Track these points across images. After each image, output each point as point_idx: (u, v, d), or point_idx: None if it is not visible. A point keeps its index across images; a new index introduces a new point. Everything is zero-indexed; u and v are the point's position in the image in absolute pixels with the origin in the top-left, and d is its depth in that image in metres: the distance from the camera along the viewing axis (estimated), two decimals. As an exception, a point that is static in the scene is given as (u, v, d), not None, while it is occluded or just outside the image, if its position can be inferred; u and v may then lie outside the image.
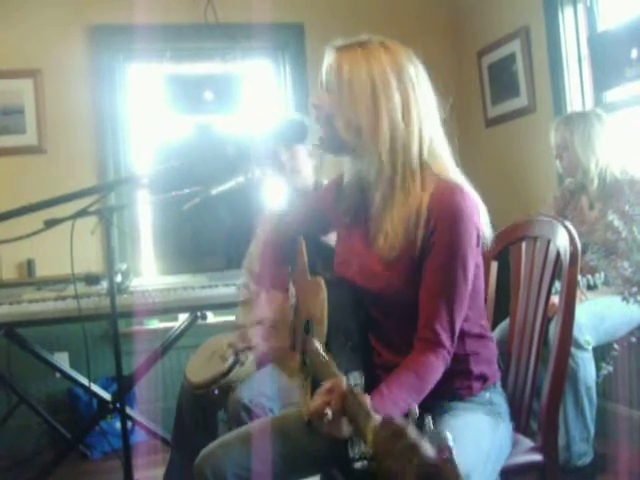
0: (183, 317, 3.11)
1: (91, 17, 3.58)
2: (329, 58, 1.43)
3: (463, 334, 1.43)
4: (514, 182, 3.67)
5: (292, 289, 1.68)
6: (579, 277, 1.71)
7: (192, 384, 2.30)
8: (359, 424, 1.06)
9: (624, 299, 2.11)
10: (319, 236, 1.71)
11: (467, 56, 3.97)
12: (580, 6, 3.20)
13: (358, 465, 0.99)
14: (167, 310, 2.91)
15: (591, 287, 2.45)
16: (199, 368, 2.34)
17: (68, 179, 3.28)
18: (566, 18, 3.22)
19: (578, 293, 1.69)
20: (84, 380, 3.05)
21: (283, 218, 1.79)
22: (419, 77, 1.42)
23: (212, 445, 1.53)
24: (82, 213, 1.88)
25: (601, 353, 2.40)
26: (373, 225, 1.46)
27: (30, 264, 3.46)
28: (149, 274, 3.74)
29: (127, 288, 2.87)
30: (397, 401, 1.27)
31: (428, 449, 0.88)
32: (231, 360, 2.21)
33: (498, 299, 1.88)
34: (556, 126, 2.74)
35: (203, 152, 1.83)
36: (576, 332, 2.18)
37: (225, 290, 2.83)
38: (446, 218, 1.35)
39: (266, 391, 2.09)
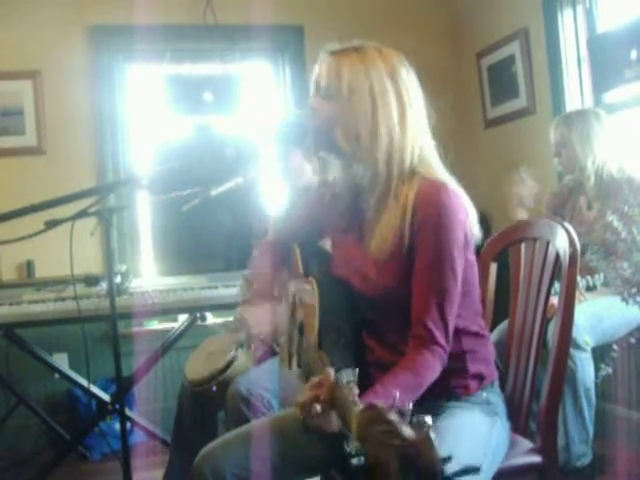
0: (183, 318, 3.12)
1: (91, 18, 3.58)
2: (326, 63, 1.43)
3: (459, 332, 1.44)
4: (514, 183, 3.66)
5: (288, 294, 1.68)
6: (578, 278, 1.71)
7: (190, 382, 2.31)
8: (345, 414, 1.08)
9: (623, 300, 2.10)
10: (314, 242, 1.72)
11: (466, 57, 3.97)
12: (579, 7, 3.21)
13: (354, 461, 0.99)
14: (166, 311, 2.91)
15: (590, 288, 2.45)
16: (198, 366, 2.35)
17: (67, 180, 3.28)
18: (565, 19, 3.23)
19: (577, 294, 1.69)
20: (83, 381, 3.05)
21: (279, 226, 1.81)
22: (411, 81, 1.44)
23: (211, 445, 1.53)
24: (82, 214, 1.88)
25: (600, 354, 2.40)
26: (367, 229, 1.47)
27: (30, 265, 3.46)
28: (148, 275, 3.74)
29: (127, 289, 2.87)
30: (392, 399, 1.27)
31: (407, 431, 0.90)
32: (230, 356, 2.22)
33: (497, 300, 1.88)
34: (555, 124, 2.76)
35: (202, 153, 1.83)
36: (575, 332, 2.18)
37: (224, 291, 2.84)
38: (431, 216, 1.36)
39: (265, 383, 2.09)
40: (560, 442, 2.33)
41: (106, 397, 2.98)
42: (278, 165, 2.26)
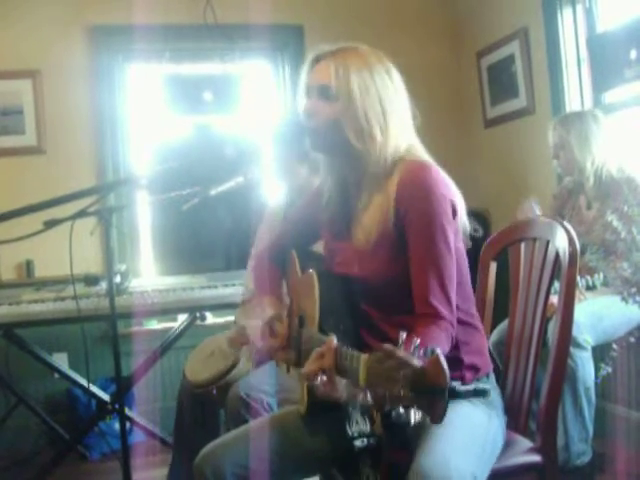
0: (182, 318, 3.12)
1: (90, 17, 3.58)
2: (325, 64, 1.44)
3: None
4: (513, 183, 3.67)
5: (285, 295, 1.69)
6: (578, 278, 1.71)
7: (191, 383, 2.31)
8: (352, 369, 1.11)
9: (623, 299, 2.11)
10: (309, 245, 1.74)
11: (466, 57, 3.97)
12: (579, 7, 3.20)
13: (357, 443, 1.01)
14: (166, 311, 2.91)
15: (590, 288, 2.45)
16: (198, 367, 2.35)
17: (67, 180, 3.28)
18: (565, 19, 3.22)
19: (577, 293, 1.69)
20: (83, 381, 3.05)
21: (276, 230, 1.82)
22: (400, 81, 1.49)
23: (212, 444, 1.54)
24: (81, 214, 1.88)
25: (600, 353, 2.40)
26: (355, 222, 1.49)
27: (29, 265, 3.46)
28: (148, 275, 3.74)
29: (126, 289, 2.87)
30: None
31: (415, 360, 0.94)
32: (231, 359, 2.22)
33: (497, 300, 1.88)
34: (554, 126, 2.76)
35: (202, 152, 1.83)
36: (575, 331, 2.18)
37: (224, 291, 2.84)
38: (417, 193, 1.39)
39: (264, 386, 2.10)
40: (560, 441, 2.33)
41: (106, 397, 2.98)
42: (276, 165, 2.26)
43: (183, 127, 3.81)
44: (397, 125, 1.44)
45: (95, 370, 3.09)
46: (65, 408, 3.41)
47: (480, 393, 0.97)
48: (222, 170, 2.02)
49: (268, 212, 2.44)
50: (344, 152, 1.47)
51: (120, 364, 1.97)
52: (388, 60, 1.48)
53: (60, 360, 3.30)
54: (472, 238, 1.57)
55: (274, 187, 2.40)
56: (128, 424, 3.03)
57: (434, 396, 0.91)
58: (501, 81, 3.68)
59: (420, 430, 1.30)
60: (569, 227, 1.63)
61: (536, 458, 1.57)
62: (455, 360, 1.45)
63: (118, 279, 2.83)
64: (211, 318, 3.46)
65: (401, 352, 0.96)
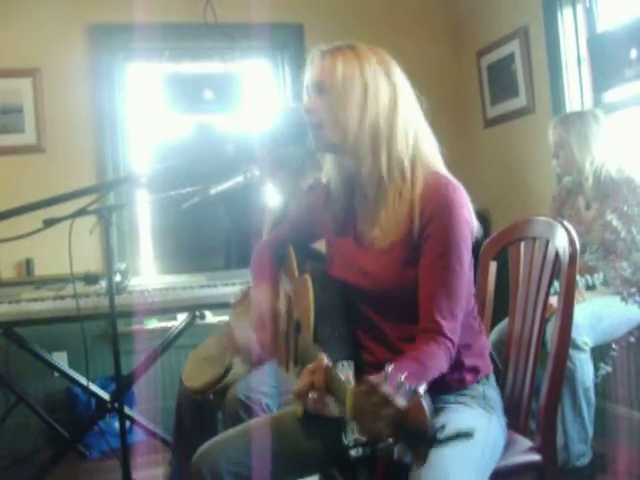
0: (182, 317, 3.12)
1: (90, 16, 3.58)
2: (321, 61, 1.44)
3: None
4: (513, 182, 3.67)
5: (282, 296, 1.69)
6: (578, 277, 1.71)
7: (189, 390, 2.30)
8: (339, 394, 1.11)
9: (623, 299, 2.11)
10: (309, 244, 1.73)
11: (466, 56, 3.97)
12: (579, 6, 3.20)
13: (353, 452, 1.00)
14: (166, 310, 2.91)
15: (590, 287, 2.45)
16: (194, 373, 2.33)
17: (67, 178, 3.27)
18: (565, 18, 3.22)
19: (576, 293, 1.69)
20: (83, 379, 3.04)
21: (276, 227, 1.82)
22: (402, 77, 1.47)
23: (209, 443, 1.54)
24: (81, 212, 1.87)
25: (600, 353, 2.40)
26: (367, 222, 1.49)
27: (29, 263, 3.46)
28: (148, 273, 3.74)
29: (126, 288, 2.86)
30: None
31: (399, 400, 0.92)
32: (225, 364, 2.21)
33: (497, 299, 1.88)
34: (553, 125, 2.76)
35: (202, 151, 1.83)
36: (574, 333, 2.18)
37: (224, 290, 2.83)
38: (440, 211, 1.38)
39: (263, 388, 2.10)
40: (559, 442, 2.33)
41: (105, 395, 2.99)
42: (276, 164, 2.25)
43: (183, 126, 3.80)
44: (383, 122, 1.42)
45: (95, 369, 3.10)
46: (65, 407, 3.41)
47: (463, 436, 0.96)
48: (222, 169, 2.02)
49: (268, 212, 2.44)
50: (330, 146, 1.46)
51: (120, 363, 1.97)
52: (390, 59, 1.47)
53: (60, 359, 3.30)
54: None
55: (275, 187, 2.39)
56: (128, 423, 3.03)
57: (416, 440, 0.91)
58: (501, 80, 3.67)
59: None
60: (569, 227, 1.63)
61: (536, 457, 1.57)
62: (456, 363, 1.44)
63: (118, 278, 2.83)
64: (211, 317, 3.47)
65: (386, 387, 0.95)
